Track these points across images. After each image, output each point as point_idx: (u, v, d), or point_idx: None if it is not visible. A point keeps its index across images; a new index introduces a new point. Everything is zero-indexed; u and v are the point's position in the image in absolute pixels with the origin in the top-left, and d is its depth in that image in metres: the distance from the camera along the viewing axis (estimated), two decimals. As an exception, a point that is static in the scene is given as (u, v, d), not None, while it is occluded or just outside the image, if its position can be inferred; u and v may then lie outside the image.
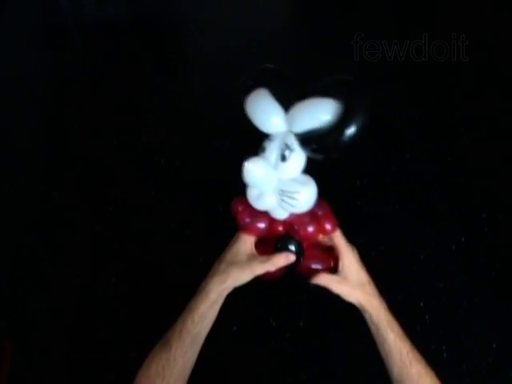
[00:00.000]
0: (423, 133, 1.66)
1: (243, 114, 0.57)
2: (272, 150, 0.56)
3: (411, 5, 2.16)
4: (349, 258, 0.58)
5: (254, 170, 0.53)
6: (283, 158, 0.54)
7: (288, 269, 0.62)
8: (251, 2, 2.34)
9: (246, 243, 0.60)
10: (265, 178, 0.54)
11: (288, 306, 1.26)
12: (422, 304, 1.26)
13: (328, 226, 0.59)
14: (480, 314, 1.25)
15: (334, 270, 0.60)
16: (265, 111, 0.55)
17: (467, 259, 1.35)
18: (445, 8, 2.06)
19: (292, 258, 0.59)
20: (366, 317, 0.59)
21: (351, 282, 0.58)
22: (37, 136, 1.88)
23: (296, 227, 0.59)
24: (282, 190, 0.54)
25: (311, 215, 0.59)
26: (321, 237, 0.62)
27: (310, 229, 0.59)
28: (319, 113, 0.52)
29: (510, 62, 1.78)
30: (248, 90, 0.57)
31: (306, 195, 0.55)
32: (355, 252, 0.61)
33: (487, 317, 1.25)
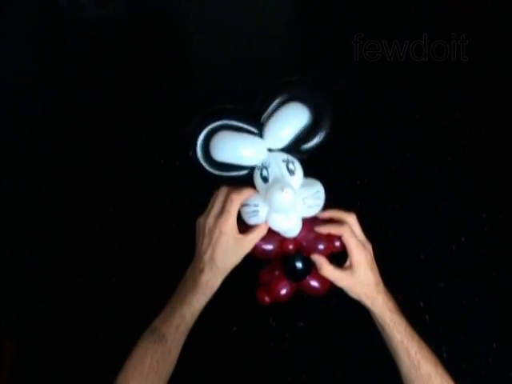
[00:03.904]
0: (423, 133, 1.66)
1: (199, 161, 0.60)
2: (273, 173, 0.55)
3: (411, 5, 2.16)
4: (358, 257, 0.57)
5: (290, 199, 0.51)
6: (292, 173, 0.55)
7: (295, 287, 0.62)
8: (251, 2, 2.33)
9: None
10: (294, 201, 0.53)
11: (288, 306, 1.26)
12: (421, 304, 1.26)
13: (337, 243, 0.58)
14: (480, 314, 1.25)
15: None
16: (243, 148, 0.56)
17: (467, 259, 1.35)
18: (445, 8, 2.06)
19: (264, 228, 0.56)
20: (372, 315, 0.58)
21: (356, 279, 0.57)
22: (37, 136, 1.88)
23: (307, 245, 0.58)
24: (305, 198, 0.55)
25: (320, 233, 0.58)
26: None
27: (321, 246, 0.57)
28: (293, 121, 0.56)
29: (510, 61, 1.78)
30: (207, 133, 0.58)
31: (323, 190, 0.57)
32: (369, 247, 0.60)
33: (487, 317, 1.25)
